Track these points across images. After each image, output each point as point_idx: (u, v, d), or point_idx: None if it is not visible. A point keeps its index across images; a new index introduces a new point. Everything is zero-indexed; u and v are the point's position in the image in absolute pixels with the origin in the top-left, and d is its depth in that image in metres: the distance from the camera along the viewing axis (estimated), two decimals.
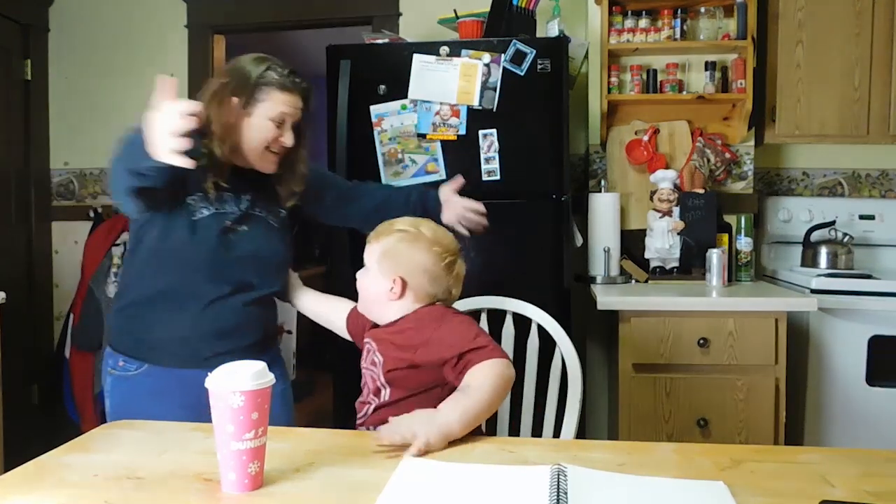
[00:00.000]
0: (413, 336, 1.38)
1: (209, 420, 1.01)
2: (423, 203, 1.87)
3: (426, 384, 1.36)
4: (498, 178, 2.29)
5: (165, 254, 1.54)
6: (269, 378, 1.01)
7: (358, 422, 1.44)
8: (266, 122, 1.56)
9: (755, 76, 2.59)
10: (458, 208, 1.84)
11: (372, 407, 1.41)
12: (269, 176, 1.63)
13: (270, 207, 1.65)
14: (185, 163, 1.20)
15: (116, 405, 1.58)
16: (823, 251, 2.63)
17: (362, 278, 1.47)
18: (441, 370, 1.34)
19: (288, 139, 1.59)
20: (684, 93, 2.68)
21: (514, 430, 1.77)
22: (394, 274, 1.41)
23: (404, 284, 1.41)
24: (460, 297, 1.84)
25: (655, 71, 2.68)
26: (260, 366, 1.02)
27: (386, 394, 1.39)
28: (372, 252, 1.45)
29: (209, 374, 1.00)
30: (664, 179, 2.56)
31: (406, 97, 2.32)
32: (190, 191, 1.53)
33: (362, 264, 1.48)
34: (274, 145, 1.58)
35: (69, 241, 3.28)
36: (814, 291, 2.33)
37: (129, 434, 1.26)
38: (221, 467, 0.99)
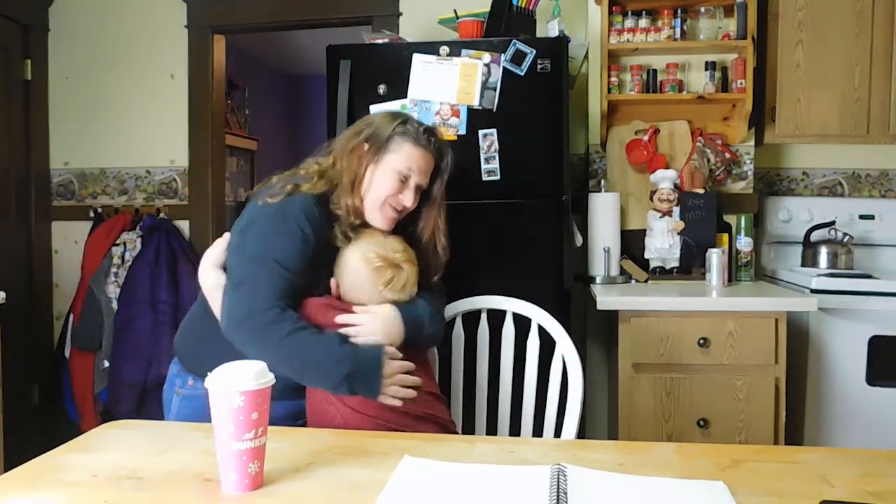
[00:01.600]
0: None
1: None
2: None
3: None
4: (498, 178, 2.28)
5: None
6: (270, 378, 1.01)
7: None
8: (392, 173, 1.54)
9: (755, 76, 2.59)
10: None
11: None
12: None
13: None
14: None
15: (187, 419, 1.55)
16: (823, 251, 2.63)
17: None
18: None
19: (408, 199, 1.55)
20: (684, 93, 2.68)
21: (515, 430, 1.77)
22: (337, 275, 1.51)
23: (337, 284, 1.52)
24: (459, 297, 1.83)
25: (655, 71, 2.68)
26: (260, 366, 1.02)
27: None
28: None
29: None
30: (664, 179, 2.56)
31: (406, 97, 2.31)
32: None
33: None
34: (393, 201, 1.55)
35: (69, 241, 3.28)
36: (814, 291, 2.33)
37: (129, 434, 1.26)
38: (221, 467, 0.99)
